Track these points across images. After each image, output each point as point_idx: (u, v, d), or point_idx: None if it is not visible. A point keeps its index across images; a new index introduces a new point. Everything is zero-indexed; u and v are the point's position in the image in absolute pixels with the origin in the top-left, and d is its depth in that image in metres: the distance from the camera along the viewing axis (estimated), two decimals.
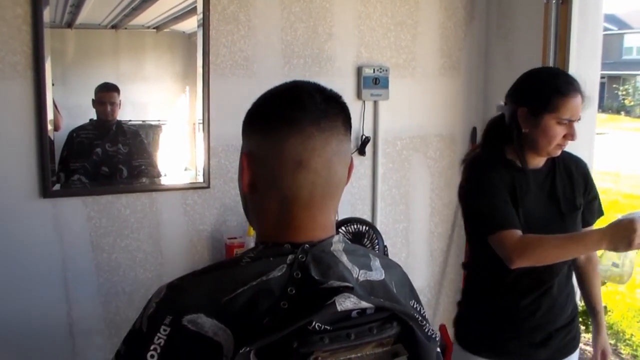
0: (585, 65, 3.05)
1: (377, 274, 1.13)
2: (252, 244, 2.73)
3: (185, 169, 3.05)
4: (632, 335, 4.64)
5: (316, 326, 0.94)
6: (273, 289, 1.01)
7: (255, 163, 1.08)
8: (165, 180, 2.99)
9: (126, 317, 2.95)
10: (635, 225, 1.79)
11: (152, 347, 0.98)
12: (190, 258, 3.05)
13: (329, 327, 0.95)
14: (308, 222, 1.09)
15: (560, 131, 2.01)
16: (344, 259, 1.09)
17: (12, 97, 2.64)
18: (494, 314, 2.15)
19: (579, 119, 2.03)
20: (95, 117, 2.83)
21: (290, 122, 1.06)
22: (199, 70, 2.93)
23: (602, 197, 2.33)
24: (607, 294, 4.92)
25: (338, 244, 1.11)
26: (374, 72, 3.26)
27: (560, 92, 2.00)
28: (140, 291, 2.97)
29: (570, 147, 2.97)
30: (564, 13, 3.02)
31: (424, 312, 1.19)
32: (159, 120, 2.99)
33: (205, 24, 2.90)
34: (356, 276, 1.09)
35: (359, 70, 3.26)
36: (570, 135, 2.02)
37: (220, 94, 2.98)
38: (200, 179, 3.01)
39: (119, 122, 2.89)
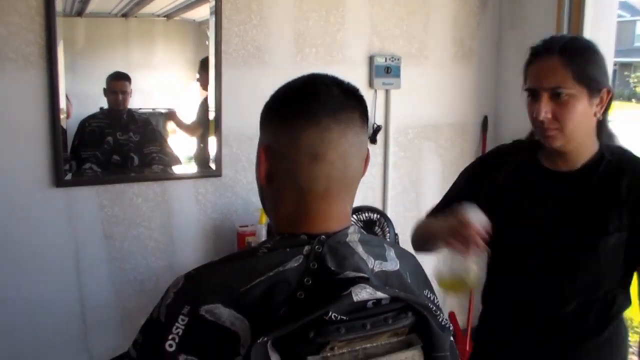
0: None
1: (392, 264, 1.14)
2: (263, 232, 2.78)
3: (193, 157, 3.07)
4: None
5: (332, 316, 0.95)
6: (290, 279, 1.02)
7: (273, 155, 1.09)
8: (177, 169, 3.00)
9: (137, 305, 2.98)
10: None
11: (170, 337, 0.99)
12: (202, 246, 3.06)
13: (345, 318, 0.96)
14: (324, 213, 1.10)
15: (532, 109, 1.60)
16: (360, 249, 1.10)
17: (26, 87, 2.65)
18: None
19: (556, 89, 1.55)
20: (105, 106, 2.84)
21: (307, 115, 1.07)
22: (212, 59, 2.93)
23: None
24: None
25: (354, 235, 1.12)
26: (385, 61, 3.26)
27: (528, 59, 1.64)
28: (152, 279, 2.99)
29: None
30: (577, 2, 3.00)
31: (437, 302, 1.20)
32: (169, 108, 3.00)
33: (217, 13, 2.90)
34: (371, 267, 1.09)
35: (370, 59, 3.26)
36: (536, 113, 1.57)
37: (233, 83, 2.98)
38: (213, 167, 3.02)
39: (130, 111, 2.90)
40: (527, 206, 1.69)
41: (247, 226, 3.02)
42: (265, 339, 0.92)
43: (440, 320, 1.07)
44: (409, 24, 3.33)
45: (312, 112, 1.07)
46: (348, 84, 1.14)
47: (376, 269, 1.10)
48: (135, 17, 2.83)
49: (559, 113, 1.55)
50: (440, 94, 3.48)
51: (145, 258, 2.97)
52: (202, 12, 2.94)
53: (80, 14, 2.71)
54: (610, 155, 1.63)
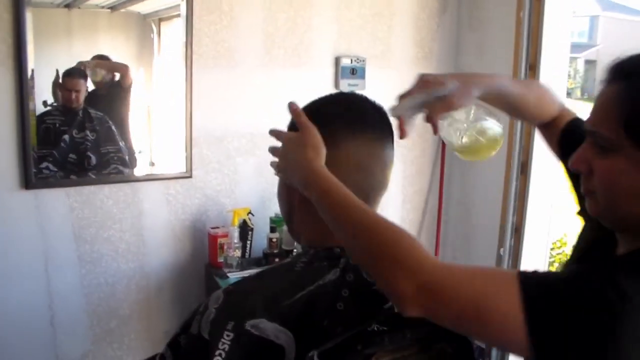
0: (556, 59, 3.15)
1: None
2: (236, 234, 2.79)
3: (140, 152, 3.01)
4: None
5: (375, 327, 0.99)
6: (329, 291, 1.06)
7: None
8: (147, 170, 2.98)
9: (108, 308, 2.95)
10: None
11: (217, 353, 1.02)
12: (172, 247, 3.05)
13: (386, 328, 1.00)
14: None
15: None
16: None
17: None
18: None
19: (594, 133, 1.02)
20: (48, 100, 2.73)
21: (353, 130, 1.12)
22: (181, 60, 2.91)
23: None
24: None
25: None
26: (351, 62, 3.30)
27: None
28: (123, 282, 2.96)
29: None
30: (536, 8, 3.10)
31: None
32: None
33: (188, 13, 2.88)
34: None
35: (337, 61, 3.29)
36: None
37: (203, 84, 2.97)
38: (183, 169, 3.01)
39: (86, 108, 2.83)
40: None
41: (218, 227, 3.02)
42: (314, 352, 0.96)
43: None
44: (373, 26, 3.38)
45: (358, 128, 1.12)
46: (374, 101, 1.20)
47: None
48: (79, 8, 2.76)
49: (594, 168, 1.03)
50: None
51: (116, 260, 2.93)
52: (149, 6, 2.90)
53: (28, 3, 2.59)
54: None
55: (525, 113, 1.38)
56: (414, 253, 0.97)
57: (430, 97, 1.17)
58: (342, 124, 1.13)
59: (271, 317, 1.02)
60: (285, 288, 1.07)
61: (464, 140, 1.25)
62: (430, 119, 1.17)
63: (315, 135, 1.11)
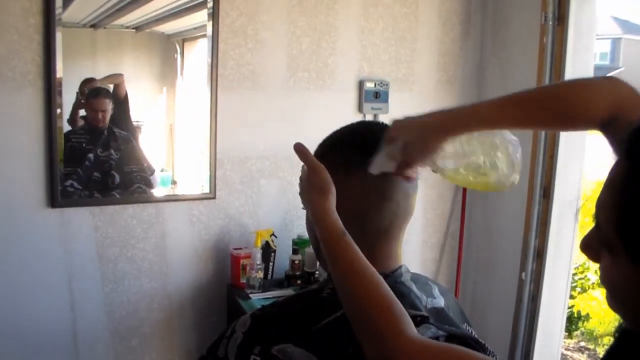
0: None
1: (439, 301, 1.20)
2: (258, 255, 2.80)
3: (162, 170, 3.05)
4: (610, 340, 4.77)
5: None
6: None
7: (338, 202, 1.13)
8: (171, 190, 3.01)
9: (130, 326, 2.97)
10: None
11: None
12: (195, 267, 3.07)
13: None
14: (385, 252, 1.15)
15: None
16: (414, 287, 1.15)
17: (23, 106, 2.63)
18: None
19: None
20: (71, 118, 2.76)
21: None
22: (206, 81, 2.96)
23: None
24: (584, 299, 5.07)
25: (406, 274, 1.18)
26: (375, 86, 3.32)
27: None
28: (145, 300, 2.98)
29: (562, 157, 3.09)
30: (559, 33, 3.10)
31: (475, 334, 1.26)
32: (137, 121, 2.97)
33: (214, 36, 2.92)
34: (425, 304, 1.15)
35: (360, 84, 3.32)
36: None
37: (227, 106, 3.01)
38: (207, 190, 3.03)
39: (111, 128, 2.87)
40: None
41: (241, 248, 3.04)
42: None
43: (488, 353, 1.13)
44: (397, 49, 3.40)
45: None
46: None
47: (428, 306, 1.16)
48: (105, 28, 2.81)
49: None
50: None
51: (139, 279, 2.96)
52: (173, 25, 2.95)
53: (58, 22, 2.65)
54: None
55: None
56: (394, 323, 0.93)
57: (394, 151, 1.11)
58: (361, 155, 1.14)
59: (298, 342, 1.03)
60: (311, 314, 1.08)
61: (449, 172, 1.16)
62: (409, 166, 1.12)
63: (322, 177, 1.10)
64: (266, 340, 1.05)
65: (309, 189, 1.10)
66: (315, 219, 1.06)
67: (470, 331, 1.25)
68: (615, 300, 0.79)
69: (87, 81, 2.79)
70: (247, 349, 1.06)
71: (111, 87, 2.86)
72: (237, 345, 1.07)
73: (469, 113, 1.13)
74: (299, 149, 1.14)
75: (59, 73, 2.66)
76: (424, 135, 1.11)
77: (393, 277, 1.13)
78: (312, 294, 1.15)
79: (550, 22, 3.08)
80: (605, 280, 0.79)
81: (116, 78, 2.88)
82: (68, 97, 2.72)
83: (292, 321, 1.08)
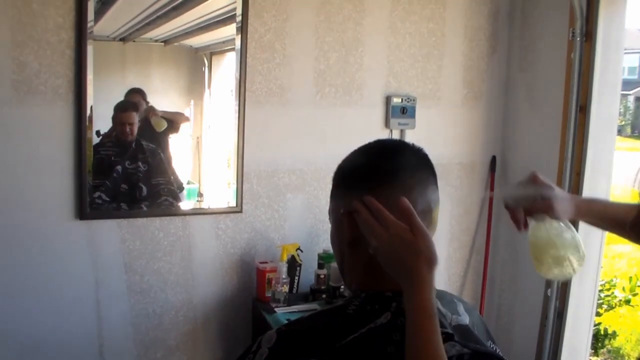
0: (606, 100, 3.13)
1: (464, 318, 1.20)
2: (284, 269, 2.82)
3: (189, 182, 3.08)
4: (638, 359, 4.72)
5: None
6: (380, 335, 1.07)
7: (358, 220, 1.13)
8: (197, 203, 3.03)
9: (155, 338, 3.00)
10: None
11: None
12: (221, 281, 3.09)
13: None
14: None
15: None
16: (439, 305, 1.15)
17: (54, 119, 2.68)
18: None
19: None
20: (102, 130, 2.80)
21: (392, 178, 1.13)
22: (234, 95, 2.99)
23: None
24: (610, 317, 5.01)
25: None
26: (401, 101, 3.32)
27: None
28: (171, 313, 3.01)
29: (589, 174, 3.07)
30: (587, 50, 3.09)
31: (499, 352, 1.25)
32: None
33: (242, 51, 2.95)
34: (449, 321, 1.15)
35: (387, 100, 3.32)
36: None
37: (254, 120, 3.03)
38: (233, 204, 3.05)
39: (138, 140, 2.91)
40: None
41: (267, 262, 3.05)
42: None
43: None
44: (423, 65, 3.41)
45: (395, 175, 1.14)
46: (413, 145, 1.22)
47: (453, 323, 1.16)
48: (134, 41, 2.85)
49: None
50: (451, 134, 3.55)
51: (165, 292, 2.98)
52: (201, 39, 2.99)
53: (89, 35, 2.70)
54: None
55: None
56: None
57: (536, 194, 1.34)
58: (378, 174, 1.14)
59: (323, 358, 1.04)
60: (337, 330, 1.09)
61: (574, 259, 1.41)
62: (526, 213, 1.34)
63: (431, 245, 1.05)
64: (292, 356, 1.06)
65: (416, 256, 1.04)
66: (418, 289, 1.02)
67: (495, 349, 1.25)
68: None
69: (135, 91, 2.86)
70: None
71: (139, 101, 2.89)
72: None
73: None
74: (406, 207, 1.07)
75: (90, 87, 2.70)
76: (572, 200, 1.40)
77: None
78: (337, 310, 1.16)
79: (578, 39, 3.07)
80: None
81: (183, 118, 3.00)
82: (100, 110, 2.76)
83: (317, 337, 1.09)
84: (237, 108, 2.99)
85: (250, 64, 2.99)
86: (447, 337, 1.05)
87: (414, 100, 3.35)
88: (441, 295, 1.20)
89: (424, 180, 1.17)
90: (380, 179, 1.14)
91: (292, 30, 3.07)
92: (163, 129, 2.95)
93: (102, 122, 2.79)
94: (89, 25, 2.66)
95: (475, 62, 3.57)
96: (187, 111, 3.01)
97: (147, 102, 2.88)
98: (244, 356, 1.14)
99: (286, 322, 1.20)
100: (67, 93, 2.69)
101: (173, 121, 2.97)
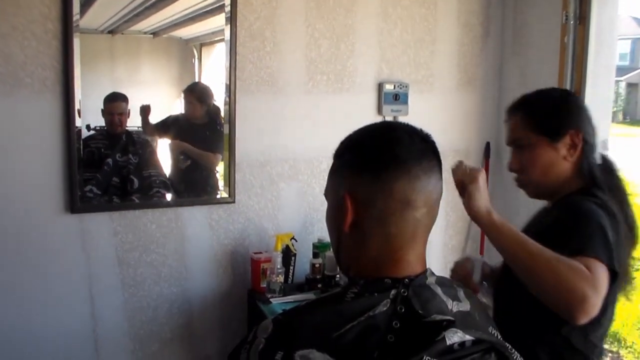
0: (601, 84, 3.10)
1: (465, 304, 1.17)
2: (279, 260, 2.79)
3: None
4: (633, 342, 4.73)
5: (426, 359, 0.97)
6: (379, 323, 1.04)
7: (360, 203, 1.10)
8: (190, 195, 3.00)
9: (150, 332, 2.97)
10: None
11: None
12: (215, 272, 3.06)
13: None
14: (408, 257, 1.12)
15: None
16: (439, 291, 1.12)
17: (41, 112, 2.64)
18: None
19: (517, 142, 1.81)
20: (92, 124, 2.78)
21: (399, 165, 1.10)
22: (225, 85, 2.95)
23: None
24: None
25: (431, 277, 1.15)
26: (394, 88, 3.29)
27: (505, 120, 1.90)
28: (165, 306, 2.98)
29: None
30: (581, 33, 3.06)
31: (500, 338, 1.23)
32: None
33: (232, 39, 2.91)
34: (450, 307, 1.12)
35: (379, 87, 3.30)
36: (507, 167, 1.87)
37: (246, 109, 3.00)
38: (226, 194, 3.02)
39: (129, 132, 2.88)
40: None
41: (261, 253, 3.02)
42: None
43: (515, 358, 1.10)
44: (416, 51, 3.38)
45: (403, 162, 1.10)
46: (421, 130, 1.18)
47: (454, 310, 1.12)
48: (122, 34, 2.81)
49: (524, 163, 1.79)
50: (445, 121, 3.52)
51: (159, 284, 2.95)
52: (190, 30, 2.95)
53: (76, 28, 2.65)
54: (568, 198, 1.74)
55: None
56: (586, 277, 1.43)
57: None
58: (384, 158, 1.11)
59: (321, 348, 1.01)
60: (335, 319, 1.06)
61: None
62: None
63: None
64: (288, 346, 1.03)
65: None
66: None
67: (496, 335, 1.22)
68: (536, 176, 1.84)
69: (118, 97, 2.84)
70: (269, 355, 1.03)
71: (129, 92, 2.85)
72: (258, 351, 1.05)
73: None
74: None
75: (77, 79, 2.66)
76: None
77: (417, 281, 1.10)
78: (335, 298, 1.13)
79: (572, 22, 3.05)
80: (532, 162, 1.83)
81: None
82: (89, 103, 2.73)
83: (314, 326, 1.06)
84: (227, 97, 2.95)
85: (240, 52, 2.95)
86: (448, 324, 1.02)
87: (406, 86, 3.32)
88: (441, 281, 1.17)
89: (430, 168, 1.13)
90: (387, 164, 1.10)
91: (282, 17, 3.04)
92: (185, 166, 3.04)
93: (92, 116, 2.76)
94: (75, 16, 2.61)
95: (469, 46, 3.54)
96: (178, 103, 2.97)
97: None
98: (239, 347, 1.10)
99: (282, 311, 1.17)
100: (54, 85, 2.64)
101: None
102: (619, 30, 3.35)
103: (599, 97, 3.09)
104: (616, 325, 4.89)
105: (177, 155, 3.02)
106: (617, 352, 4.65)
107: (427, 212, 1.12)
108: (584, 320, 1.43)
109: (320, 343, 1.01)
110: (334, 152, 1.20)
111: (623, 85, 23.27)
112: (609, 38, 3.13)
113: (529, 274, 1.53)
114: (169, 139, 3.01)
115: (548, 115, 1.76)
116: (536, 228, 1.79)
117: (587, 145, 1.75)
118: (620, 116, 21.64)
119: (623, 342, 4.77)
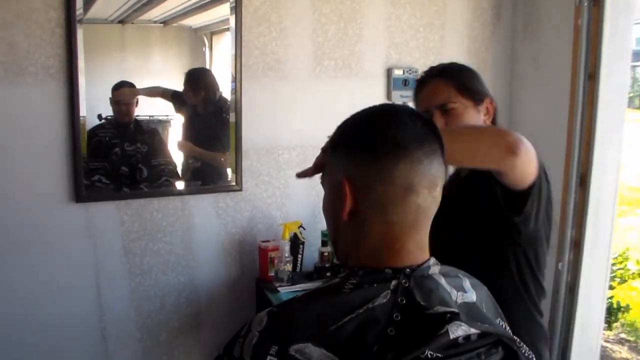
0: (616, 69, 3.04)
1: (470, 295, 1.13)
2: (287, 248, 2.76)
3: (190, 161, 3.03)
4: None
5: (428, 354, 0.93)
6: (379, 316, 1.00)
7: (360, 189, 1.07)
8: (197, 183, 2.98)
9: (158, 321, 2.96)
10: None
11: None
12: (223, 261, 3.04)
13: (440, 355, 0.94)
14: (410, 245, 1.09)
15: None
16: (442, 281, 1.09)
17: (46, 100, 2.62)
18: None
19: (444, 105, 1.77)
20: (103, 114, 2.77)
21: (399, 148, 1.06)
22: (231, 71, 2.92)
23: None
24: (624, 290, 4.96)
25: (435, 267, 1.11)
26: (403, 73, 3.24)
27: (415, 88, 1.90)
28: (172, 295, 2.96)
29: (599, 144, 2.99)
30: (595, 15, 2.99)
31: (509, 330, 1.19)
32: (167, 115, 2.96)
33: (237, 25, 2.88)
34: (455, 299, 1.08)
35: (388, 72, 3.25)
36: None
37: (252, 96, 2.96)
38: (233, 182, 2.99)
39: (137, 121, 2.87)
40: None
41: (268, 241, 3.00)
42: None
43: (524, 352, 1.06)
44: (425, 36, 3.32)
45: (403, 146, 1.06)
46: (422, 114, 1.14)
47: (459, 301, 1.09)
48: (132, 23, 2.80)
49: (451, 125, 1.75)
50: None
51: (166, 274, 2.94)
52: (200, 19, 2.93)
53: (80, 21, 2.63)
54: None
55: None
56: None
57: None
58: (385, 142, 1.07)
59: (317, 342, 0.97)
60: (332, 311, 1.02)
61: None
62: None
63: None
64: (283, 340, 0.99)
65: None
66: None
67: (504, 327, 1.18)
68: None
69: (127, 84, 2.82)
70: (263, 349, 1.00)
71: (140, 82, 2.83)
72: (252, 345, 1.01)
73: None
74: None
75: (82, 67, 2.63)
76: None
77: (419, 271, 1.07)
78: (332, 289, 1.09)
79: (586, 4, 2.97)
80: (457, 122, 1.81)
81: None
82: (94, 91, 2.71)
83: (310, 319, 1.02)
84: (234, 84, 2.91)
85: (246, 38, 2.91)
86: (452, 317, 0.98)
87: (416, 72, 3.26)
88: (445, 271, 1.13)
89: (432, 152, 1.09)
90: (387, 149, 1.06)
91: (288, 2, 3.00)
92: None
93: (104, 106, 2.77)
94: (78, 3, 2.58)
95: (479, 30, 3.47)
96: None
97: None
98: (233, 341, 1.07)
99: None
100: (58, 73, 2.62)
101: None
102: (636, 13, 3.27)
103: (615, 82, 3.02)
104: (634, 315, 4.84)
105: (187, 159, 3.01)
106: (635, 342, 4.59)
107: (429, 197, 1.08)
108: (521, 156, 1.45)
109: (316, 337, 0.98)
110: (329, 136, 1.16)
111: (639, 70, 23.04)
112: (624, 21, 3.05)
113: (468, 149, 1.50)
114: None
115: (472, 80, 1.84)
116: (465, 198, 1.77)
117: (496, 113, 1.86)
118: (637, 102, 21.41)
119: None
